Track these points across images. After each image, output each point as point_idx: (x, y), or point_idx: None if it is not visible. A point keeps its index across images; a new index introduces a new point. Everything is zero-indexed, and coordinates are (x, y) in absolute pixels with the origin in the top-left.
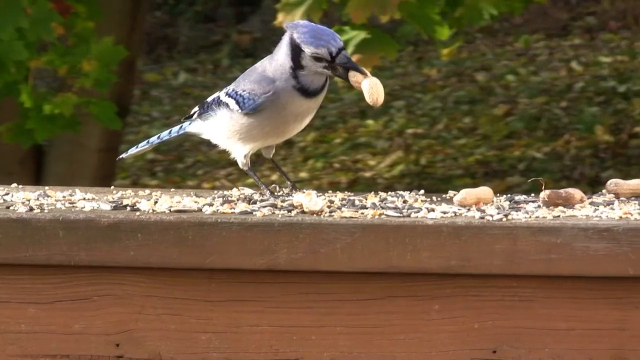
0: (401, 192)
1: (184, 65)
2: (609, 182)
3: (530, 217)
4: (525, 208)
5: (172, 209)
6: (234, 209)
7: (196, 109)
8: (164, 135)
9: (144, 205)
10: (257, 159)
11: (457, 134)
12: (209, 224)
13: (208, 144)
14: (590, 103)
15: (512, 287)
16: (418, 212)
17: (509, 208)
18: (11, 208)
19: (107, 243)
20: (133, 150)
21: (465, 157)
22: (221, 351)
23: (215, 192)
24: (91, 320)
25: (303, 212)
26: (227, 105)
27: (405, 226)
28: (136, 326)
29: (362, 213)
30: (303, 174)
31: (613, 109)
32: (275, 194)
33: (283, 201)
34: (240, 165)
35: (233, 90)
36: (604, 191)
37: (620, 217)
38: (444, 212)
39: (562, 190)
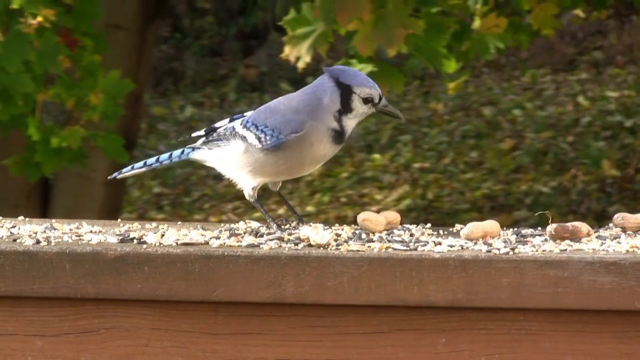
0: (408, 226)
1: (190, 99)
2: (615, 216)
3: (537, 250)
4: (532, 242)
5: (179, 242)
6: (241, 242)
7: (201, 134)
8: (164, 158)
9: (151, 238)
10: (263, 192)
11: (463, 168)
12: (216, 257)
13: (215, 177)
14: (597, 138)
15: (519, 320)
16: (425, 245)
17: (516, 242)
18: (18, 241)
19: (113, 276)
20: (128, 171)
21: (472, 192)
22: None
23: (222, 225)
24: (98, 353)
25: (310, 245)
26: (244, 138)
27: (412, 259)
28: (143, 359)
29: (369, 246)
30: (310, 208)
31: (620, 144)
32: (282, 227)
33: (290, 234)
34: (247, 197)
35: (252, 124)
36: (610, 225)
37: (627, 251)
38: (451, 246)
39: (569, 224)
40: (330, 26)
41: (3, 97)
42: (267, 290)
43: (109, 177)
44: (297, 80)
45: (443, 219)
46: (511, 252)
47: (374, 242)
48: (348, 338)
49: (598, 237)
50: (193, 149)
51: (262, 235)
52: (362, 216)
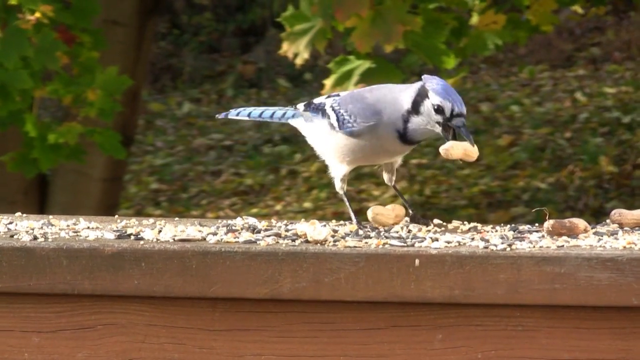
0: (405, 222)
1: (188, 95)
2: (613, 212)
3: (534, 246)
4: (529, 238)
5: (176, 238)
6: (238, 238)
7: (301, 104)
8: (266, 115)
9: (148, 234)
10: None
11: (461, 164)
12: (213, 253)
13: (212, 173)
14: (595, 134)
15: (516, 316)
16: (422, 241)
17: (513, 238)
18: (15, 237)
19: (110, 272)
20: (232, 114)
21: (469, 188)
22: None
23: (219, 221)
24: (94, 349)
25: (307, 241)
26: (329, 117)
27: (409, 256)
28: (139, 355)
29: (366, 243)
30: (307, 204)
31: (617, 140)
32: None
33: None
34: (337, 189)
35: (338, 106)
36: (607, 221)
37: (624, 247)
38: (448, 242)
39: (566, 220)
40: (329, 22)
41: (0, 93)
42: (264, 286)
43: (217, 116)
44: (295, 76)
45: (440, 215)
46: (508, 249)
47: (371, 238)
48: (345, 334)
49: (595, 233)
50: (294, 115)
51: (259, 232)
52: (374, 210)
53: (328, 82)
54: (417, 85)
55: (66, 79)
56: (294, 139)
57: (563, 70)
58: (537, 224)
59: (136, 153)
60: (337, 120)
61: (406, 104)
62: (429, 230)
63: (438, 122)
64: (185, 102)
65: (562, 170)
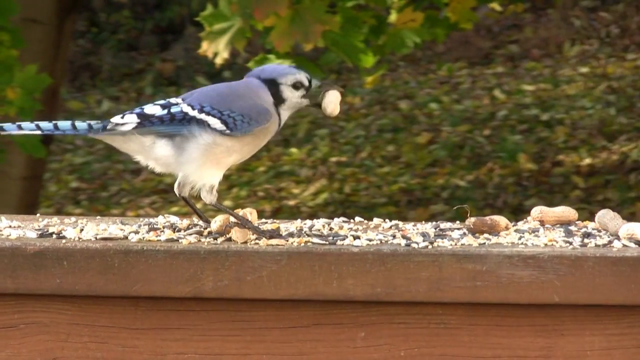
0: (327, 220)
1: (107, 94)
2: (534, 210)
3: (455, 244)
4: (450, 235)
5: (98, 237)
6: (160, 236)
7: (131, 119)
8: (65, 127)
9: (70, 233)
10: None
11: (380, 162)
12: (135, 252)
13: (132, 172)
14: (513, 131)
15: (438, 314)
16: (344, 239)
17: (435, 235)
18: None
19: (32, 271)
20: (12, 129)
21: (389, 185)
22: None
23: (141, 219)
24: (17, 348)
25: (229, 239)
26: (206, 123)
27: (331, 253)
28: (62, 354)
29: (288, 240)
30: (227, 202)
31: (536, 137)
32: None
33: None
34: (208, 200)
35: (212, 108)
36: (529, 218)
37: (546, 245)
38: (370, 240)
39: (487, 218)
40: (248, 22)
41: None
42: (187, 284)
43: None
44: (214, 74)
45: (360, 212)
46: (430, 246)
47: (292, 236)
48: (267, 332)
49: (516, 230)
50: (113, 129)
51: (180, 230)
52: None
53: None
54: (254, 81)
55: None
56: None
57: (481, 67)
58: (458, 222)
59: (56, 151)
60: (225, 122)
61: (268, 97)
62: (351, 229)
63: (302, 96)
64: (104, 100)
65: (481, 167)
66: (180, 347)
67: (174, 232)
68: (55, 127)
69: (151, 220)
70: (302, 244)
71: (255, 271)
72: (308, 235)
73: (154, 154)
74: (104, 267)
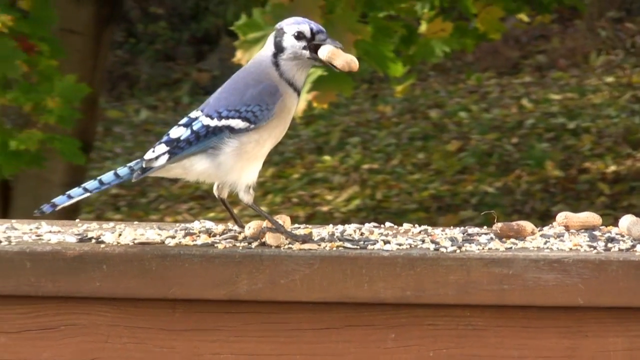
0: (358, 225)
1: (145, 103)
2: (559, 215)
3: (483, 249)
4: (478, 240)
5: (135, 241)
6: (196, 241)
7: (163, 150)
8: (109, 179)
9: (109, 237)
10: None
11: (411, 169)
12: (172, 256)
13: (173, 181)
14: (540, 139)
15: (466, 316)
16: (374, 244)
17: (463, 240)
18: None
19: (72, 274)
20: (64, 201)
21: (419, 192)
22: None
23: (178, 225)
24: (59, 349)
25: (264, 244)
26: (228, 127)
27: (362, 257)
28: (102, 355)
29: (320, 245)
30: (262, 208)
31: (562, 145)
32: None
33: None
34: (245, 200)
35: (228, 112)
36: (554, 224)
37: (570, 249)
38: (400, 244)
39: (514, 223)
40: None
41: None
42: (222, 287)
43: (35, 212)
44: None
45: (391, 218)
46: (458, 251)
47: (324, 241)
48: (300, 334)
49: (542, 235)
50: (150, 168)
51: (215, 235)
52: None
53: None
54: (262, 53)
55: (26, 87)
56: None
57: (510, 77)
58: (485, 227)
59: (95, 159)
60: (247, 119)
61: (269, 49)
62: (381, 233)
63: (304, 48)
64: (142, 109)
65: (509, 174)
66: (216, 348)
67: (210, 237)
68: (101, 182)
69: (187, 225)
70: (334, 249)
71: (289, 275)
72: (340, 240)
73: (196, 172)
74: (142, 271)
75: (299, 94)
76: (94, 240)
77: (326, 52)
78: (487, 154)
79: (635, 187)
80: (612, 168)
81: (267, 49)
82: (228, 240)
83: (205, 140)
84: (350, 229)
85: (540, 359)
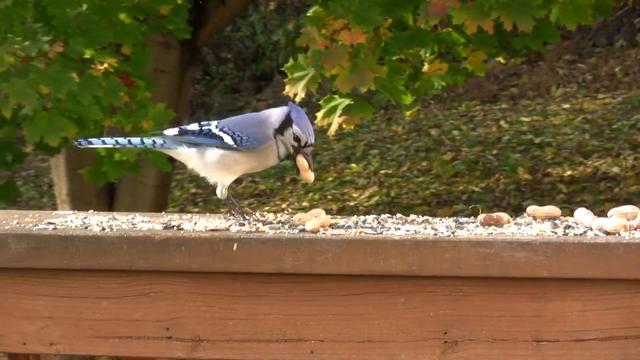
0: (376, 216)
1: None
2: (528, 208)
3: (470, 233)
4: (467, 227)
5: (207, 228)
6: (253, 228)
7: (174, 131)
8: (136, 142)
9: (187, 225)
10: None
11: (417, 173)
12: (235, 239)
13: (236, 181)
14: (514, 151)
15: (458, 285)
16: (388, 230)
17: (455, 227)
18: (88, 228)
19: (159, 253)
20: (98, 143)
21: (423, 191)
22: (243, 333)
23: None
24: (147, 310)
25: (304, 230)
26: (221, 138)
27: (379, 240)
28: (181, 314)
29: (347, 231)
30: (305, 203)
31: (531, 155)
32: (246, 215)
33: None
34: (219, 195)
35: (229, 129)
36: (525, 215)
37: (537, 234)
38: (407, 230)
39: (494, 214)
40: (319, 71)
41: (79, 123)
42: (272, 263)
43: (75, 142)
44: None
45: (402, 211)
46: (451, 235)
47: (350, 228)
48: (331, 299)
49: (515, 223)
50: (165, 141)
51: (269, 223)
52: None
53: (319, 114)
54: (285, 109)
55: (127, 113)
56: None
57: (490, 104)
58: (472, 217)
59: (179, 166)
60: (234, 139)
61: (276, 123)
62: (394, 222)
63: (293, 146)
64: None
65: (491, 177)
66: (267, 309)
67: (264, 225)
68: (129, 142)
69: (247, 216)
70: (358, 234)
71: (323, 253)
72: (362, 227)
73: (192, 162)
74: (211, 251)
75: (280, 159)
76: (175, 228)
77: (299, 163)
78: (474, 162)
79: (586, 186)
80: (569, 172)
81: (275, 120)
82: (278, 227)
83: (203, 136)
84: (370, 218)
85: (515, 317)
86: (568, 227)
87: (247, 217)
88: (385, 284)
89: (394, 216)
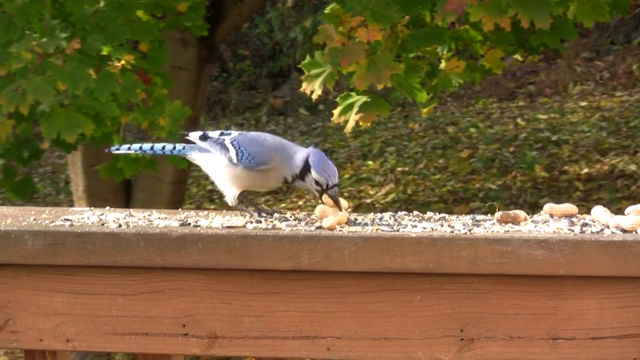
0: (392, 213)
1: (234, 122)
2: (545, 206)
3: (487, 231)
4: (484, 225)
5: (223, 225)
6: (269, 225)
7: (197, 135)
8: (157, 149)
9: (203, 222)
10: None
11: (433, 171)
12: (251, 237)
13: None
14: (531, 148)
15: (474, 283)
16: (405, 227)
17: (472, 225)
18: (105, 225)
19: (175, 250)
20: (124, 150)
21: (440, 188)
22: (259, 330)
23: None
24: (164, 307)
25: (320, 227)
26: (227, 150)
27: (395, 238)
28: (197, 311)
29: (364, 228)
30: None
31: (548, 153)
32: (262, 212)
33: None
34: (229, 203)
35: (237, 144)
36: (542, 212)
37: (554, 232)
38: (424, 228)
39: (511, 212)
40: (336, 68)
41: (96, 119)
42: (289, 260)
43: (106, 150)
44: (312, 107)
45: (418, 208)
46: (468, 233)
47: (367, 225)
48: (348, 296)
49: (532, 221)
50: (184, 147)
51: (285, 220)
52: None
53: (336, 111)
54: (306, 152)
55: (144, 110)
56: None
57: (508, 102)
58: (489, 215)
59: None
60: (237, 155)
61: (297, 169)
62: (410, 219)
63: (317, 190)
64: (232, 127)
65: (508, 175)
66: (284, 306)
67: (280, 222)
68: (152, 148)
69: (263, 213)
70: (374, 231)
71: (340, 251)
72: (378, 225)
73: (204, 168)
74: (228, 248)
75: (288, 184)
76: (192, 225)
77: (327, 203)
78: (491, 159)
79: (603, 184)
80: (585, 170)
81: (296, 165)
82: (294, 224)
83: (217, 145)
84: (387, 216)
85: (531, 315)
86: (585, 225)
87: (263, 214)
88: (402, 281)
89: (411, 213)
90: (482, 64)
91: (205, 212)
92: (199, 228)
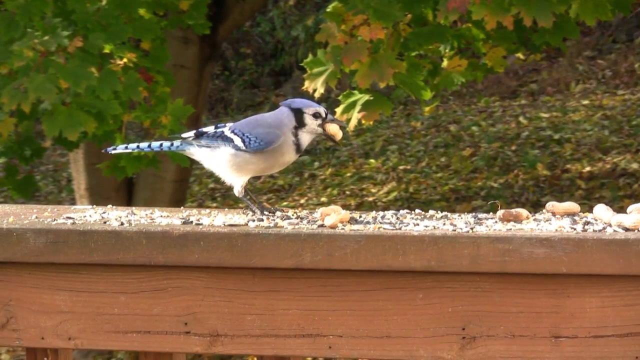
0: (395, 211)
1: (235, 120)
2: (547, 204)
3: (489, 229)
4: (486, 223)
5: (225, 224)
6: (272, 223)
7: (191, 134)
8: (155, 146)
9: (205, 220)
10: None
11: (435, 169)
12: (253, 235)
13: (256, 177)
14: (533, 147)
15: (476, 281)
16: (407, 226)
17: (474, 223)
18: (107, 223)
19: (177, 249)
20: (121, 149)
21: (442, 187)
22: (261, 328)
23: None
24: (166, 305)
25: (322, 225)
26: (231, 140)
27: (397, 236)
28: (199, 310)
29: (366, 227)
30: (323, 199)
31: (550, 151)
32: (265, 211)
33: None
34: (236, 193)
35: (239, 131)
36: (544, 211)
37: (556, 230)
38: (426, 226)
39: (513, 210)
40: (338, 66)
41: (98, 117)
42: (291, 259)
43: (102, 150)
44: None
45: (420, 207)
46: (470, 231)
47: (369, 223)
48: (350, 294)
49: (534, 219)
50: (181, 143)
51: (288, 218)
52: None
53: (338, 109)
54: (284, 107)
55: (146, 108)
56: (312, 151)
57: (510, 100)
58: (491, 213)
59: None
60: (243, 141)
61: (292, 122)
62: (412, 218)
63: (319, 125)
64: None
65: (510, 173)
66: (286, 304)
67: (282, 220)
68: (149, 146)
69: (266, 211)
70: (376, 229)
71: (342, 249)
72: (380, 223)
73: (206, 162)
74: (230, 246)
75: (301, 152)
76: (194, 223)
77: (333, 130)
78: (493, 158)
79: (605, 183)
80: (587, 169)
81: (289, 121)
82: (296, 222)
83: (216, 139)
84: (389, 214)
85: (533, 313)
86: (587, 223)
87: (265, 212)
88: (404, 279)
89: (413, 212)
90: (485, 63)
91: (208, 210)
92: (201, 226)
